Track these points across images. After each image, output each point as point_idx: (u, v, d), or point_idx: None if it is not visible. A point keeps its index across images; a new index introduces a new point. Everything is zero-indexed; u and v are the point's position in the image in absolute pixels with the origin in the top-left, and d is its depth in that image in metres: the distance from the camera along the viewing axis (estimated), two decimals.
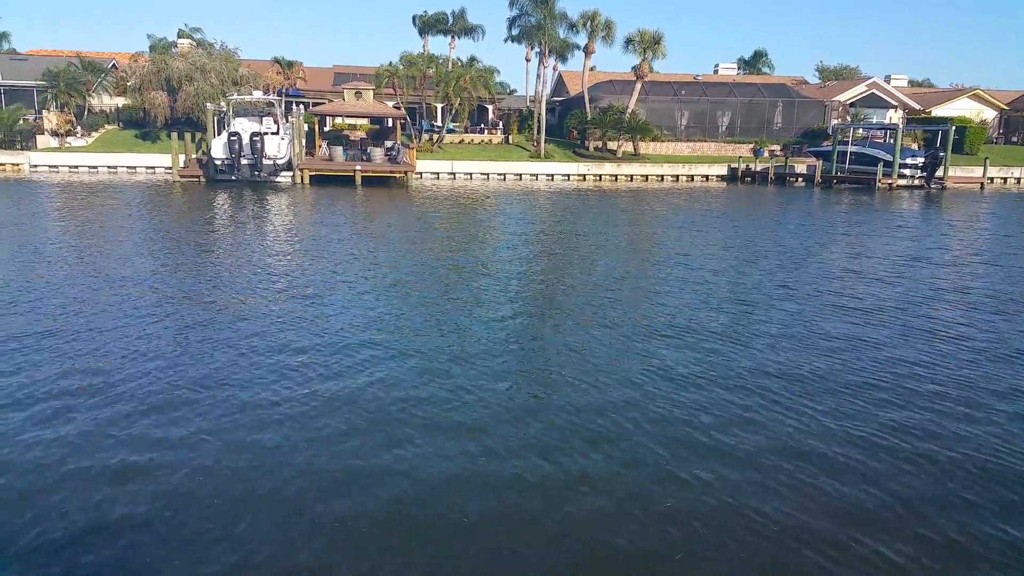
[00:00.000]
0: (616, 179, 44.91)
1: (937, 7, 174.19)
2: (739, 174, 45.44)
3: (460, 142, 48.05)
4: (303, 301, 12.67)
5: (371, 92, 45.62)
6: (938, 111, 56.05)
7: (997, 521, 6.00)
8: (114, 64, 49.78)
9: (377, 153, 39.95)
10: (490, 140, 49.22)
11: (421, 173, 42.48)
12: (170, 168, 39.00)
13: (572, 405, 8.11)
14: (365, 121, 47.68)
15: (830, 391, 8.69)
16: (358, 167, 37.52)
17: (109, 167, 41.57)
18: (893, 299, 13.78)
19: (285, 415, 7.79)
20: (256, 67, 48.54)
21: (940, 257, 18.91)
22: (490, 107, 52.85)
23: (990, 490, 6.47)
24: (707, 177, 45.99)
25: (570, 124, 49.61)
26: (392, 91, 46.59)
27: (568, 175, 44.80)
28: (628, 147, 47.67)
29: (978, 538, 5.80)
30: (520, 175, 44.40)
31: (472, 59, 46.76)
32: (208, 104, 39.91)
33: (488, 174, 44.06)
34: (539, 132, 46.67)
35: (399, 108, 46.04)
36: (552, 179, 44.45)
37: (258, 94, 41.82)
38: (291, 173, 37.24)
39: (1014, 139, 57.71)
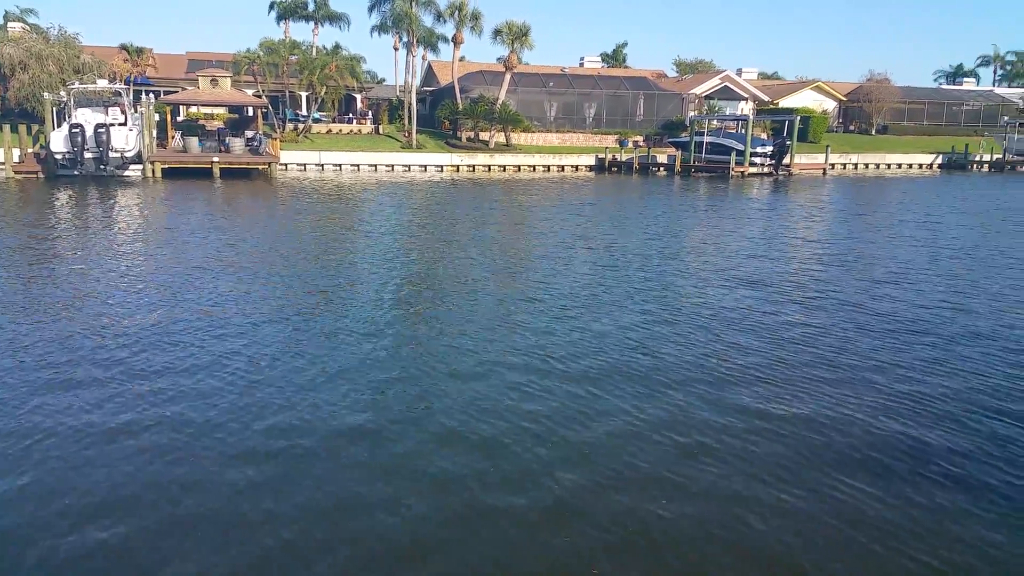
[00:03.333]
0: (490, 169, 44.62)
1: (785, 3, 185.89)
2: (606, 164, 46.25)
3: (328, 132, 46.18)
4: (153, 310, 11.33)
5: (228, 80, 42.88)
6: (785, 102, 59.40)
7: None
8: None
9: (237, 144, 37.56)
10: (359, 130, 47.64)
11: (286, 164, 40.41)
12: (2, 163, 35.03)
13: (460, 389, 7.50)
14: (223, 110, 44.82)
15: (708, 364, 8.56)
16: (216, 159, 35.13)
17: None
18: (756, 272, 14.45)
19: (133, 438, 6.70)
20: (101, 54, 44.46)
21: (790, 235, 20.00)
22: (358, 96, 51.09)
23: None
24: (576, 167, 46.53)
25: (442, 115, 48.79)
26: (252, 79, 44.03)
27: (442, 166, 44.07)
28: (500, 138, 47.49)
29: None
30: (392, 166, 43.22)
31: (337, 47, 44.91)
32: (46, 94, 36.10)
33: (358, 165, 42.57)
34: (410, 122, 45.58)
35: (260, 97, 43.58)
36: (425, 170, 43.56)
37: (103, 83, 38.29)
38: (141, 166, 34.32)
39: (851, 128, 62.08)
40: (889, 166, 52.17)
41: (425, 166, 43.80)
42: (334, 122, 47.47)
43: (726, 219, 23.69)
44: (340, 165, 42.31)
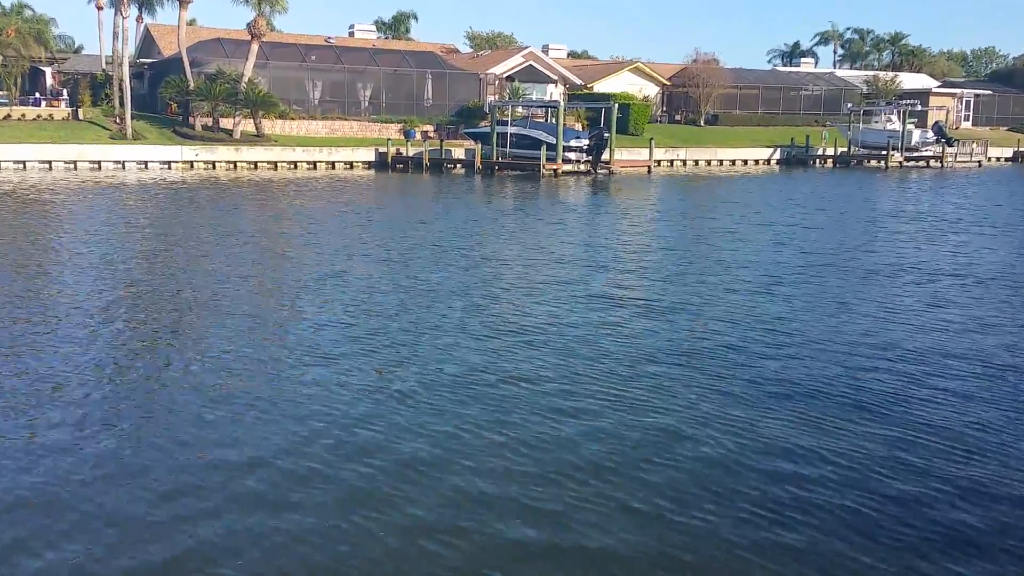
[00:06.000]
0: (236, 167, 46.07)
1: None
2: (389, 160, 49.17)
3: (6, 118, 45.24)
4: None
5: None
6: (600, 86, 65.72)
7: None
8: None
9: None
10: (51, 115, 47.19)
11: None
12: None
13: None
14: None
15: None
16: None
17: None
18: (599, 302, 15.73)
19: None
20: None
21: (624, 250, 22.15)
22: (48, 70, 50.39)
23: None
24: (351, 164, 49.09)
25: (167, 95, 49.37)
26: None
27: (169, 162, 45.02)
28: (249, 126, 48.98)
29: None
30: (99, 163, 43.68)
31: (22, 5, 44.24)
32: None
33: (50, 162, 42.70)
34: (123, 104, 45.80)
35: None
36: (146, 167, 44.29)
37: None
38: None
39: (677, 117, 69.91)
40: (722, 162, 59.86)
41: (146, 162, 44.55)
42: (15, 104, 46.49)
43: (544, 228, 26.25)
44: (24, 162, 42.05)
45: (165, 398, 10.05)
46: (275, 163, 47.16)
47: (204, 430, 9.02)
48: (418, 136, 52.57)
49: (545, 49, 69.79)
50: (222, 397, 10.03)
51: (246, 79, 48.23)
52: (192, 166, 45.22)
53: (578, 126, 55.50)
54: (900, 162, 59.39)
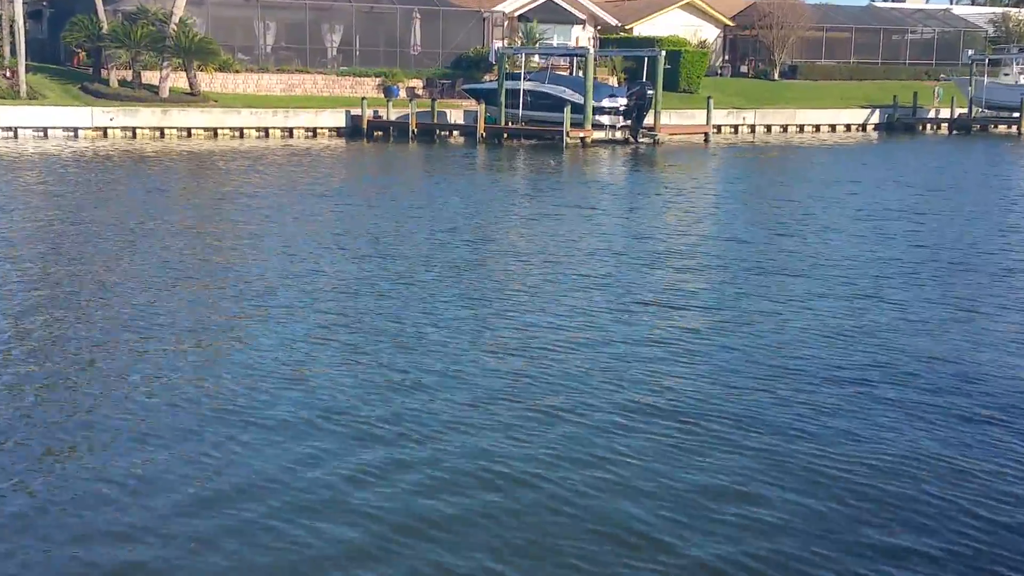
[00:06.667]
0: (163, 135, 45.56)
1: None
2: (364, 126, 48.33)
3: None
4: None
5: None
6: (642, 28, 64.71)
7: None
8: None
9: None
10: None
11: None
12: None
13: None
14: None
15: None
16: None
17: None
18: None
19: None
20: None
21: (682, 259, 20.60)
22: None
23: None
24: (315, 131, 48.47)
25: (72, 40, 48.75)
26: None
27: (75, 128, 44.54)
28: (180, 81, 48.34)
29: None
30: None
31: None
32: None
33: None
34: (14, 53, 45.39)
35: None
36: (46, 135, 43.87)
37: None
38: None
39: (743, 69, 68.68)
40: (803, 128, 58.70)
41: (45, 129, 44.09)
42: None
43: (570, 215, 25.61)
44: None
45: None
46: (214, 130, 46.48)
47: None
48: (402, 94, 51.79)
49: None
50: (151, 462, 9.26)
51: (176, 19, 47.33)
52: (106, 134, 44.58)
53: (613, 80, 54.72)
54: None
